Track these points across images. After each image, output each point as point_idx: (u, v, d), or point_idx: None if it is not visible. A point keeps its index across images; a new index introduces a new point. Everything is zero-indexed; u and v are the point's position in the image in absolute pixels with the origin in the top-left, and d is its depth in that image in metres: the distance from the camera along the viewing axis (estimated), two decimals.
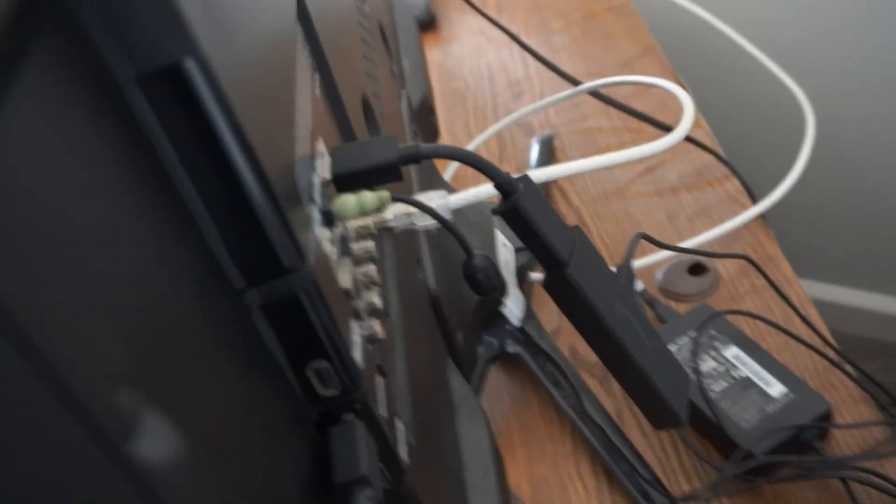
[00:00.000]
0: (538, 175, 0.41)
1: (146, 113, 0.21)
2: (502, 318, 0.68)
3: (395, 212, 0.38)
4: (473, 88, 0.92)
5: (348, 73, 0.42)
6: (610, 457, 0.60)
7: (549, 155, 0.80)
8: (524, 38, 0.86)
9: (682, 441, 0.59)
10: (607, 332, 0.34)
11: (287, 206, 0.24)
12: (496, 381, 0.68)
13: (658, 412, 0.37)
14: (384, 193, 0.31)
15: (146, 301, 0.19)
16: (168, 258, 0.21)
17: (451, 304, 0.55)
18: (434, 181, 0.62)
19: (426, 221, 0.39)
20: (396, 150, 0.31)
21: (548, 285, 0.34)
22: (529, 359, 0.65)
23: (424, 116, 0.71)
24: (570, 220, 0.75)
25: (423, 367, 0.43)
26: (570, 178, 0.79)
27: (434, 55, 0.99)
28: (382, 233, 0.38)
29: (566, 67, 0.84)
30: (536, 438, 0.64)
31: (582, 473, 0.61)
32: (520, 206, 0.32)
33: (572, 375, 0.62)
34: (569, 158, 0.82)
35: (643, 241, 0.65)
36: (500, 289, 0.32)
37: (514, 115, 0.80)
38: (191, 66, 0.20)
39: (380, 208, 0.33)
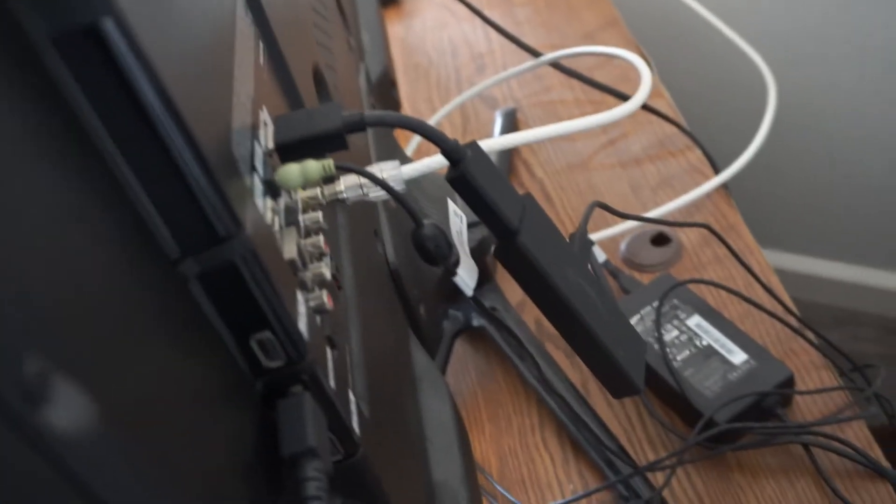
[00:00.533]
0: (494, 144, 0.41)
1: (64, 75, 0.20)
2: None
3: (348, 183, 0.37)
4: (436, 63, 0.92)
5: (297, 43, 0.41)
6: (575, 428, 0.60)
7: (512, 128, 0.80)
8: (487, 12, 0.85)
9: (647, 410, 0.59)
10: (560, 300, 0.34)
11: (220, 173, 0.23)
12: (461, 353, 0.67)
13: (615, 381, 0.37)
14: (328, 162, 0.30)
15: (67, 270, 0.19)
16: (93, 226, 0.21)
17: (412, 277, 0.55)
18: (394, 154, 0.61)
19: (380, 193, 0.39)
20: (340, 117, 0.31)
21: (498, 254, 0.34)
22: (494, 331, 0.65)
23: (385, 90, 0.70)
24: (534, 192, 0.75)
25: (380, 339, 0.43)
26: (534, 151, 0.79)
27: (396, 30, 0.98)
28: (335, 204, 0.37)
29: (529, 40, 0.84)
30: (503, 411, 0.64)
31: (548, 445, 0.61)
32: (467, 174, 0.32)
33: (535, 348, 0.62)
34: None
35: (609, 214, 0.65)
36: (450, 258, 0.32)
37: (476, 88, 0.80)
38: (109, 26, 0.20)
39: (327, 178, 0.32)
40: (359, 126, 0.31)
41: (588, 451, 0.59)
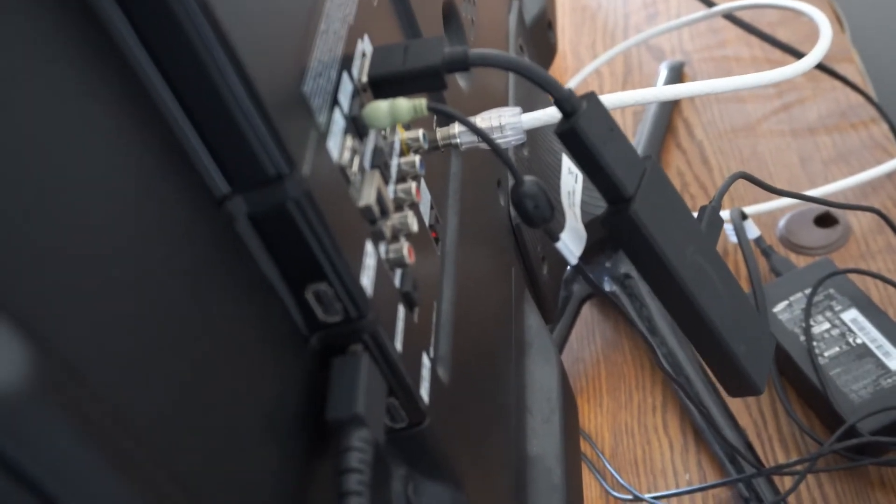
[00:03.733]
0: (628, 98, 0.36)
1: None
2: (602, 254, 0.63)
3: (461, 127, 0.34)
4: (605, 7, 0.86)
5: None
6: (700, 415, 0.55)
7: (676, 82, 0.74)
8: None
9: (783, 407, 0.54)
10: (673, 280, 0.30)
11: (274, 105, 0.21)
12: (589, 318, 0.64)
13: (731, 378, 0.33)
14: (420, 102, 0.27)
15: (92, 200, 0.17)
16: (124, 153, 0.19)
17: (537, 233, 0.52)
18: (536, 100, 0.58)
19: (506, 138, 0.35)
20: (441, 53, 0.28)
21: (607, 222, 0.30)
22: (625, 300, 0.61)
23: (539, 32, 0.66)
24: (691, 155, 0.69)
25: (483, 298, 0.40)
26: (697, 109, 0.72)
27: None
28: (449, 149, 0.34)
29: None
30: (625, 385, 0.60)
31: (668, 428, 0.57)
32: (578, 128, 0.28)
33: (666, 324, 0.57)
34: None
35: (785, 181, 0.59)
36: (551, 220, 0.28)
37: (642, 35, 0.74)
38: None
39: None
40: (460, 65, 0.28)
41: (710, 442, 0.54)
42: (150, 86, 0.19)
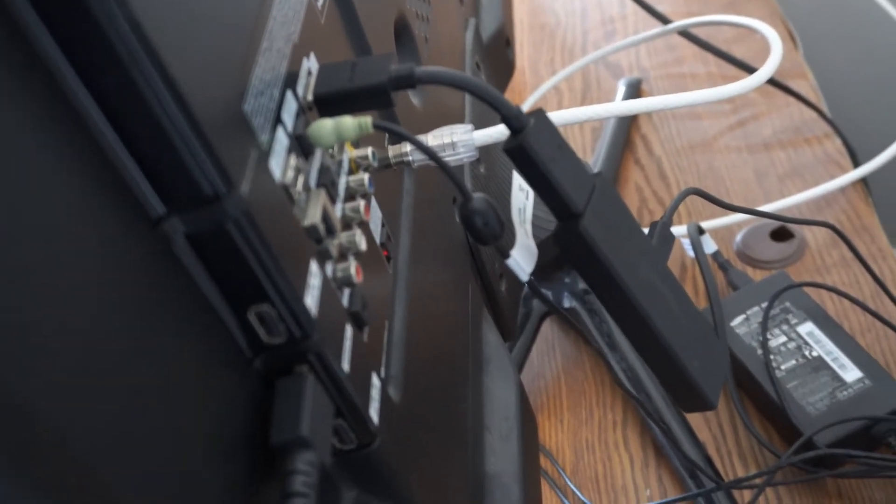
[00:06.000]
0: (583, 113, 0.36)
1: None
2: (561, 270, 0.63)
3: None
4: (564, 24, 0.87)
5: None
6: (660, 430, 0.55)
7: (633, 99, 0.74)
8: None
9: (742, 421, 0.54)
10: (624, 296, 0.30)
11: (211, 125, 0.21)
12: (549, 335, 0.64)
13: (684, 393, 0.33)
14: (365, 120, 0.27)
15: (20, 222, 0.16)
16: (51, 173, 0.18)
17: (496, 250, 0.51)
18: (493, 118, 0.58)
19: (456, 156, 0.35)
20: (388, 71, 0.27)
21: (557, 238, 0.30)
22: (585, 316, 0.61)
23: (497, 49, 0.66)
24: (649, 170, 0.70)
25: (438, 317, 0.40)
26: (655, 126, 0.73)
27: None
28: (402, 166, 0.34)
29: (665, 6, 0.78)
30: (585, 402, 0.60)
31: (629, 444, 0.57)
32: (527, 145, 0.28)
33: (625, 339, 0.57)
34: None
35: (741, 196, 0.59)
36: (501, 237, 0.28)
37: (600, 52, 0.75)
38: None
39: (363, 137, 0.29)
40: (407, 82, 0.28)
41: (671, 457, 0.54)
42: (79, 103, 0.19)
